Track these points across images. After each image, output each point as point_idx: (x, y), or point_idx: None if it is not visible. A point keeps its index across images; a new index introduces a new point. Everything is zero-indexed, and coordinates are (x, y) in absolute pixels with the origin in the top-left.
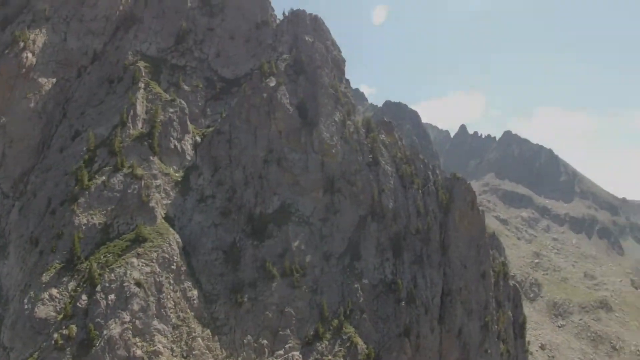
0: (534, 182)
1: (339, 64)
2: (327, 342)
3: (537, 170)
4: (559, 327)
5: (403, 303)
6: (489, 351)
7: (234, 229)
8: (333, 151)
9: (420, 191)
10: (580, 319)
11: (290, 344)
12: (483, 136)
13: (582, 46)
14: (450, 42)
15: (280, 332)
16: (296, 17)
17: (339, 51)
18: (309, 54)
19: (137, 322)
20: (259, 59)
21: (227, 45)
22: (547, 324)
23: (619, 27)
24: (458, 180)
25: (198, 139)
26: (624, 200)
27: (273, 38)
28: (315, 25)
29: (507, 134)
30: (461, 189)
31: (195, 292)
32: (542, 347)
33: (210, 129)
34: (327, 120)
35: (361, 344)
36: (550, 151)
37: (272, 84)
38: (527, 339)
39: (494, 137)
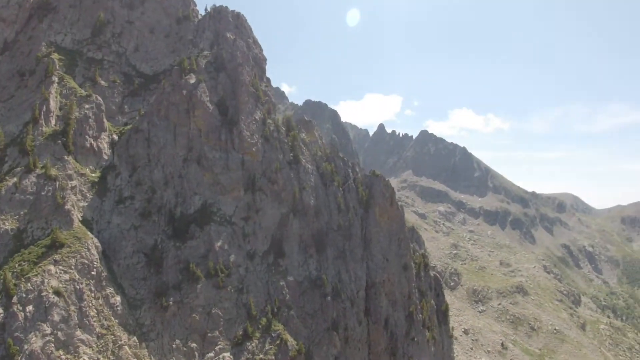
0: (450, 178)
1: (259, 62)
2: (257, 341)
3: (452, 167)
4: (479, 312)
5: (329, 298)
6: (416, 339)
7: (154, 231)
8: (254, 149)
9: (340, 188)
10: (499, 304)
11: (220, 346)
12: (401, 135)
13: (491, 56)
14: (370, 48)
15: (209, 334)
16: (218, 13)
17: (261, 49)
18: (230, 51)
19: (59, 333)
20: (179, 54)
21: (147, 40)
22: (468, 310)
23: (524, 40)
24: (377, 177)
25: (115, 137)
26: (533, 193)
27: (194, 34)
28: (238, 22)
29: (424, 133)
30: (380, 185)
31: (118, 298)
32: (466, 332)
33: (128, 127)
34: (248, 119)
35: (291, 341)
36: (464, 149)
37: (192, 80)
38: (451, 325)
39: (411, 136)
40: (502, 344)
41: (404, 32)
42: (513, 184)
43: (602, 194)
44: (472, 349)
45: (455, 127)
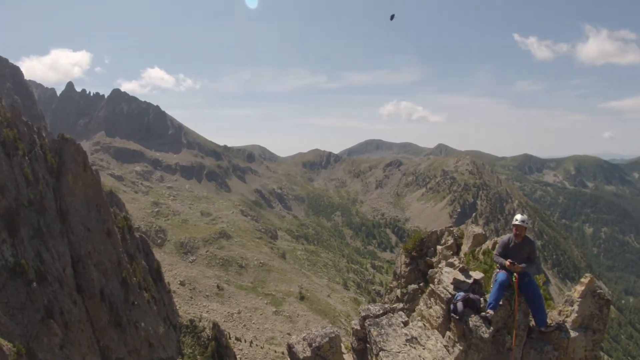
0: (144, 137)
1: None
2: None
3: (146, 126)
4: (191, 262)
5: (35, 284)
6: (136, 303)
7: None
8: None
9: (26, 157)
10: (207, 251)
11: None
12: (92, 94)
13: (179, 17)
14: None
15: None
16: None
17: None
18: None
19: None
20: None
21: None
22: (180, 263)
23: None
24: (67, 142)
25: None
26: (225, 147)
27: None
28: None
29: (116, 91)
30: (71, 150)
31: None
32: (182, 283)
33: None
34: None
35: (6, 344)
36: (157, 108)
37: None
38: (166, 281)
39: (103, 95)
40: (218, 286)
41: None
42: (206, 140)
43: (285, 144)
44: (192, 297)
45: (148, 85)
